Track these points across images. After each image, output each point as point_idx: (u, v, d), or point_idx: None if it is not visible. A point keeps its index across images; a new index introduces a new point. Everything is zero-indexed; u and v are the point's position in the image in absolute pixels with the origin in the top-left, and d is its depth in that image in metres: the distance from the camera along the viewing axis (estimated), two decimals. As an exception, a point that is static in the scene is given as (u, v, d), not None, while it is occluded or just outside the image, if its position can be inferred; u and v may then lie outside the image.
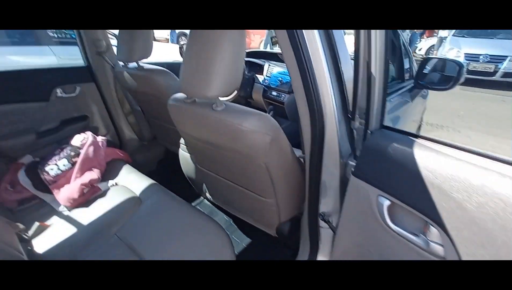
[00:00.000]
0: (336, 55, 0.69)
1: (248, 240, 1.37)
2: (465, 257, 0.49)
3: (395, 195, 0.58)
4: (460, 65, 1.28)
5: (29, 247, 0.94)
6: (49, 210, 1.12)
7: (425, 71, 1.33)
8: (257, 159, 0.80)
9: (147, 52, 1.20)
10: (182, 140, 1.22)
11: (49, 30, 3.21)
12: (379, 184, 0.61)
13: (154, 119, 1.58)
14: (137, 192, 1.15)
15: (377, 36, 0.58)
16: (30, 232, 1.00)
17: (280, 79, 1.73)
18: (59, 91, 1.40)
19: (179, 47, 2.20)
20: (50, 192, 1.14)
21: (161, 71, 1.24)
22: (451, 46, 4.62)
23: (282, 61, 1.95)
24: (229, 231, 1.41)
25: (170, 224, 0.98)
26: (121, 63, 1.34)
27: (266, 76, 1.85)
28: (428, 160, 0.53)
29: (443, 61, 1.33)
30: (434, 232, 0.55)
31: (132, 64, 1.28)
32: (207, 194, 1.29)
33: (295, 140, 0.92)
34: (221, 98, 0.76)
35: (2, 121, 1.24)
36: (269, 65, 1.86)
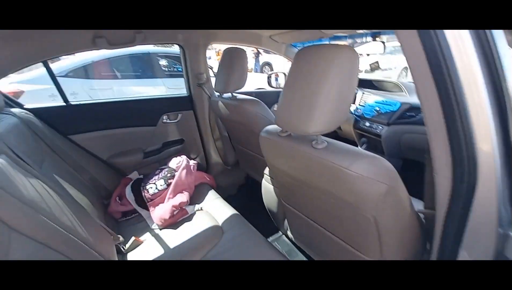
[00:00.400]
0: (497, 74, 0.46)
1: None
2: None
3: None
4: None
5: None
6: (144, 226, 1.21)
7: None
8: (364, 210, 0.64)
9: (241, 84, 1.24)
10: (266, 170, 1.17)
11: (162, 65, 3.89)
12: None
13: (239, 145, 1.60)
14: (220, 221, 1.13)
15: None
16: (127, 245, 1.08)
17: (377, 108, 1.53)
18: (165, 118, 1.60)
19: (267, 76, 2.26)
20: (147, 208, 1.25)
21: (252, 101, 1.25)
22: None
23: (379, 89, 1.74)
24: (310, 279, 1.23)
25: None
26: (216, 93, 1.42)
27: (359, 105, 1.68)
28: None
29: None
30: None
31: (227, 94, 1.34)
32: (288, 232, 1.18)
33: None
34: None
35: (120, 141, 1.48)
36: (363, 93, 1.69)
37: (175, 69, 3.92)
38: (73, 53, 1.32)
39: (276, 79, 2.32)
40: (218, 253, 0.98)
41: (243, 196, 1.83)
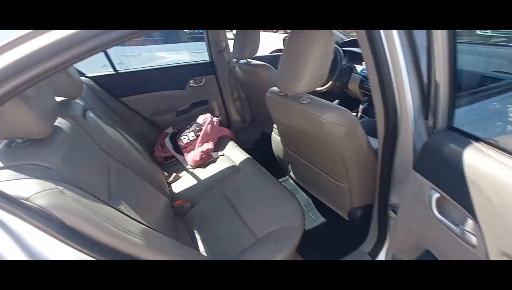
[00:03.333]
0: (416, 54, 0.70)
1: (323, 219, 1.51)
2: (488, 245, 0.55)
3: (443, 189, 0.64)
4: None
5: (169, 188, 1.41)
6: (181, 166, 1.59)
7: None
8: (333, 146, 0.93)
9: (254, 51, 1.47)
10: (275, 125, 1.45)
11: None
12: (432, 178, 0.66)
13: (255, 105, 1.87)
14: (237, 163, 1.47)
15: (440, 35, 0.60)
16: (170, 179, 1.48)
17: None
18: (192, 82, 1.89)
19: (283, 39, 2.40)
20: (182, 154, 1.62)
21: (264, 66, 1.49)
22: None
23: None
24: (307, 209, 1.58)
25: (259, 191, 1.23)
26: (234, 59, 1.67)
27: (365, 66, 1.83)
28: (474, 159, 0.57)
29: None
30: (470, 223, 0.60)
31: (243, 60, 1.58)
32: (291, 173, 1.49)
33: None
34: (318, 88, 0.90)
35: (157, 102, 1.81)
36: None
37: (196, 31, 4.07)
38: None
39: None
40: (236, 184, 1.32)
41: (259, 149, 2.14)
